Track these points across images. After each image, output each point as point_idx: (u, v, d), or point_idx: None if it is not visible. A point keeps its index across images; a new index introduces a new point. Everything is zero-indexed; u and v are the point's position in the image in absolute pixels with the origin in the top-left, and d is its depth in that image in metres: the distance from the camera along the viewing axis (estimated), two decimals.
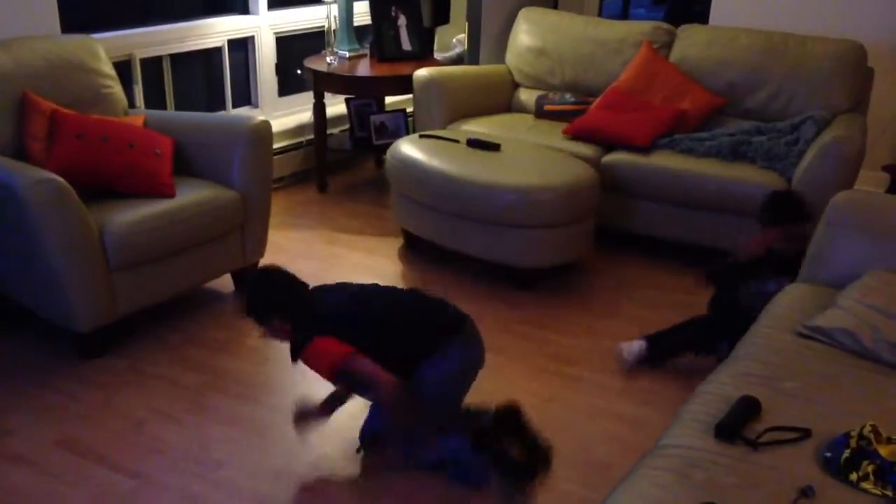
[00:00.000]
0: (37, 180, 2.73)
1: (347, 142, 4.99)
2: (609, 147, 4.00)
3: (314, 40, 5.02)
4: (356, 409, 2.64)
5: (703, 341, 3.07)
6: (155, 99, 4.26)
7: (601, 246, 4.00)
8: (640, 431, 2.72)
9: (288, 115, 4.91)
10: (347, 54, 4.75)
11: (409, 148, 3.81)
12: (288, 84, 4.96)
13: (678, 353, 3.09)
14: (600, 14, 5.67)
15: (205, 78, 4.59)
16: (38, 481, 2.42)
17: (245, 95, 4.80)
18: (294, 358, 2.41)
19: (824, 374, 2.17)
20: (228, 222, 3.30)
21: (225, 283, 3.58)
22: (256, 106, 4.83)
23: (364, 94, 4.83)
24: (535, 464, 2.41)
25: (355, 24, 4.86)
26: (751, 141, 3.83)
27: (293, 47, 4.93)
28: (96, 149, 3.10)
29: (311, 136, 4.79)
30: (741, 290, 3.06)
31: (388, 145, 4.03)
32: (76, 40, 3.43)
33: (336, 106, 5.01)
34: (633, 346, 3.07)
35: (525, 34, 4.66)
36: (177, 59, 4.32)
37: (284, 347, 2.45)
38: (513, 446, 2.41)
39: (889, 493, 1.72)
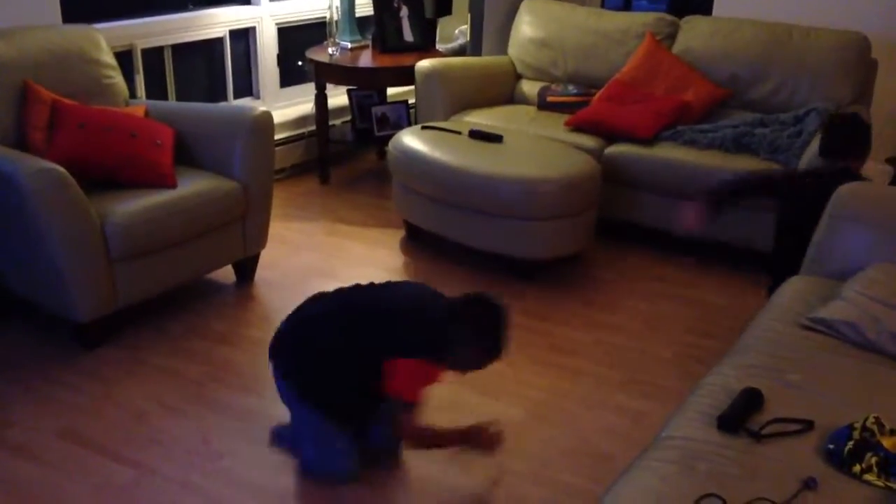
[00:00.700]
0: (38, 170, 2.72)
1: (349, 133, 4.98)
2: (611, 139, 3.98)
3: (316, 31, 5.01)
4: None
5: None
6: (156, 89, 4.25)
7: (603, 238, 3.99)
8: (642, 423, 2.71)
9: (289, 106, 4.90)
10: (349, 45, 4.73)
11: (411, 139, 3.80)
12: (289, 75, 4.94)
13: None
14: (603, 5, 5.64)
15: (206, 68, 4.58)
16: (38, 472, 2.42)
17: (246, 86, 4.79)
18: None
19: (827, 366, 2.16)
20: (229, 213, 3.29)
21: (226, 274, 3.58)
22: (258, 97, 4.82)
23: (366, 85, 4.81)
24: None
25: (357, 14, 4.84)
26: (754, 133, 3.82)
27: (295, 38, 4.92)
28: (97, 139, 3.09)
29: (313, 128, 4.77)
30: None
31: (389, 137, 4.02)
32: (77, 30, 3.42)
33: (338, 97, 4.99)
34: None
35: (527, 25, 4.64)
36: (178, 49, 4.31)
37: None
38: None
39: (893, 485, 1.71)
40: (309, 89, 4.77)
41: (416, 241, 4.01)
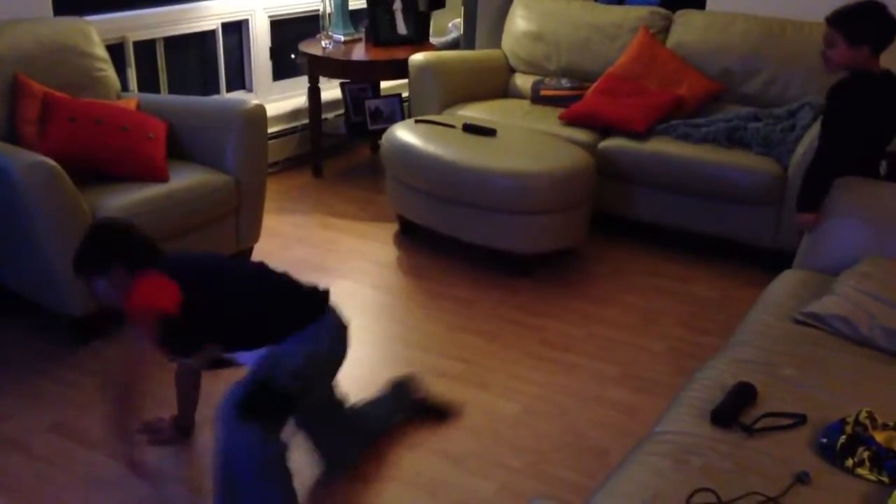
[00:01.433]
0: (29, 163, 2.71)
1: (342, 126, 4.96)
2: (605, 133, 3.98)
3: (309, 24, 4.99)
4: None
5: None
6: (148, 82, 4.23)
7: (597, 232, 4.00)
8: (636, 418, 2.72)
9: (283, 100, 4.88)
10: (343, 38, 4.72)
11: (404, 133, 3.80)
12: (283, 68, 4.93)
13: None
14: None
15: (199, 61, 4.56)
16: (31, 466, 2.41)
17: (239, 79, 4.77)
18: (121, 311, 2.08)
19: (820, 360, 2.17)
20: (222, 207, 3.28)
21: None
22: (251, 90, 4.80)
23: (359, 78, 4.80)
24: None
25: (350, 7, 4.82)
26: (747, 127, 3.82)
27: (288, 31, 4.90)
28: (89, 132, 3.08)
29: (306, 121, 4.76)
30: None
31: (383, 130, 4.01)
32: (69, 23, 3.40)
33: (331, 90, 4.98)
34: None
35: (521, 19, 4.64)
36: (170, 42, 4.29)
37: None
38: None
39: (885, 479, 1.72)
40: (302, 82, 4.76)
41: (410, 234, 4.00)
